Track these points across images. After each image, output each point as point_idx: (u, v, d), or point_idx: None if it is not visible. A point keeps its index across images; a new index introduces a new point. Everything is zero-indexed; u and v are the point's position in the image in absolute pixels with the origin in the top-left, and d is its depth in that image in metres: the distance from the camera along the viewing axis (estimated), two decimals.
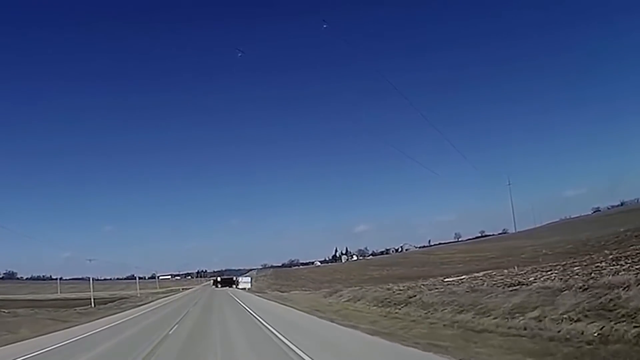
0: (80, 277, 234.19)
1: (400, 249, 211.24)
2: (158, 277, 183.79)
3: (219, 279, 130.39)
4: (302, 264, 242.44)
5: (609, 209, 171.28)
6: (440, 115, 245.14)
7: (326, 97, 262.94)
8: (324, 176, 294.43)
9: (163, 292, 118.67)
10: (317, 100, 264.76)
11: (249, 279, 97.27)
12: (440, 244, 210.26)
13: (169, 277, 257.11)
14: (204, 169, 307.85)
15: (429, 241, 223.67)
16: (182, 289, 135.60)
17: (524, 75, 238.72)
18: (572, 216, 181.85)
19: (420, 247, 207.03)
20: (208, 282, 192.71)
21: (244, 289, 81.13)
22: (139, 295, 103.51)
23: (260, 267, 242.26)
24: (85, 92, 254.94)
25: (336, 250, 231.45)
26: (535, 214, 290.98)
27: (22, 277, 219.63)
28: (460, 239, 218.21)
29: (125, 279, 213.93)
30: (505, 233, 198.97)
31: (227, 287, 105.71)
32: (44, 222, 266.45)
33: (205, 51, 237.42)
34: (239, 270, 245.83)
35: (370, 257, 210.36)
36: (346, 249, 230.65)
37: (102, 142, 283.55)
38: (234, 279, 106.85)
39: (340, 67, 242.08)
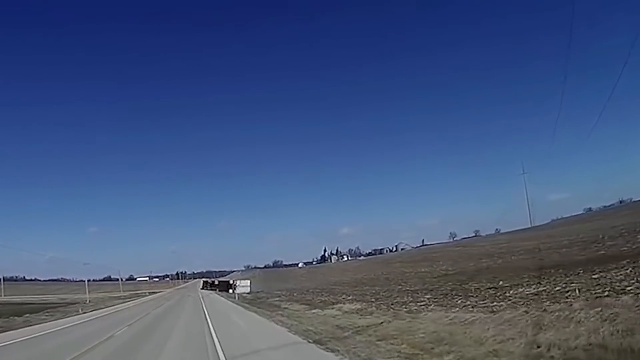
0: (57, 278, 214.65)
1: (395, 249, 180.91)
2: (121, 279, 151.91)
3: (216, 281, 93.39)
4: (285, 265, 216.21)
5: (601, 208, 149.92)
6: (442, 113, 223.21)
7: (313, 100, 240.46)
8: (306, 179, 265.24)
9: (123, 297, 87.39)
10: (304, 104, 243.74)
11: (247, 282, 62.05)
12: (434, 243, 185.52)
13: (147, 278, 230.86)
14: (188, 171, 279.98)
15: (422, 241, 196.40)
16: (149, 292, 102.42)
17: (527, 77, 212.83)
18: (564, 216, 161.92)
19: (416, 247, 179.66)
20: (186, 284, 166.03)
21: (240, 294, 47.28)
22: (88, 301, 73.74)
23: (244, 268, 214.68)
24: (73, 93, 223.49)
25: (325, 250, 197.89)
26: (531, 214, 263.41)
27: None
28: (455, 239, 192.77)
29: (102, 280, 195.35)
30: (498, 232, 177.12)
31: (206, 292, 71.76)
32: (26, 223, 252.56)
33: (199, 53, 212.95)
34: (221, 272, 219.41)
35: (362, 257, 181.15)
36: (337, 249, 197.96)
37: (88, 143, 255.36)
38: (231, 282, 71.84)
39: (333, 70, 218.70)
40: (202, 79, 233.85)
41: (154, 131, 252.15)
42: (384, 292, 34.89)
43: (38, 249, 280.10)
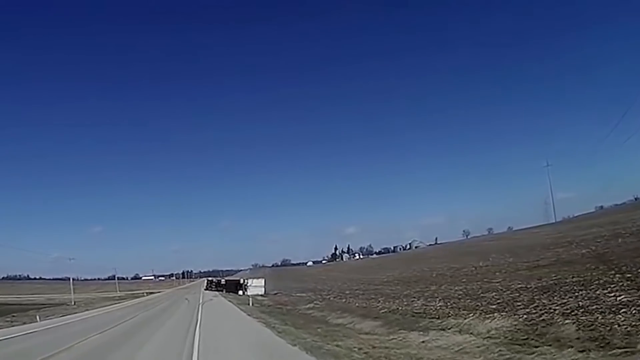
0: (61, 277, 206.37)
1: (408, 246, 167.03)
2: (117, 278, 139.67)
3: (222, 281, 78.60)
4: (293, 264, 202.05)
5: (612, 206, 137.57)
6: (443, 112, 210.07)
7: (317, 99, 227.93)
8: (309, 179, 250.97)
9: (117, 298, 74.15)
10: (308, 103, 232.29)
11: (261, 281, 47.60)
12: (448, 241, 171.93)
13: (152, 277, 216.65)
14: (191, 171, 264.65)
15: (435, 239, 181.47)
16: (147, 293, 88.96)
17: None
18: (575, 215, 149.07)
19: (430, 245, 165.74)
20: (192, 283, 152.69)
21: (253, 296, 33.40)
22: (73, 302, 62.52)
23: (251, 267, 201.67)
24: (76, 93, 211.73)
25: (336, 249, 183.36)
26: (534, 214, 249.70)
27: None
28: (468, 236, 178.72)
29: (106, 279, 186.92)
30: (511, 229, 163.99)
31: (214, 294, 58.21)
32: (30, 223, 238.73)
33: (201, 54, 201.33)
34: (228, 271, 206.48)
35: (375, 255, 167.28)
36: (348, 247, 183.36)
37: (90, 144, 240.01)
38: (242, 281, 57.39)
39: (338, 69, 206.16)
40: (206, 79, 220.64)
41: (156, 132, 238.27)
42: (488, 292, 21.25)
43: (43, 249, 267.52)
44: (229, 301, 34.53)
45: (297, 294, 40.20)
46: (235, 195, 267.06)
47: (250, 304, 29.15)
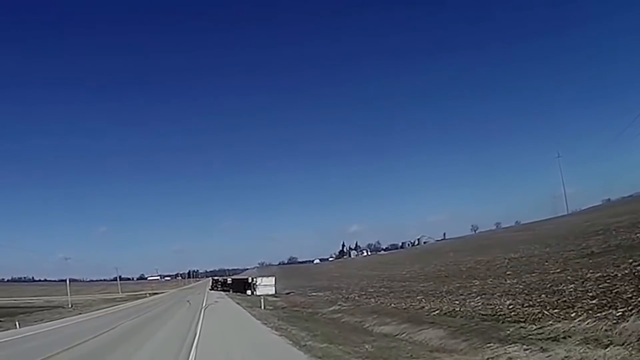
0: (66, 278, 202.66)
1: (417, 242, 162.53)
2: (120, 278, 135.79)
3: (229, 280, 74.16)
4: (300, 262, 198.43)
5: (620, 199, 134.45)
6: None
7: (321, 99, 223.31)
8: (315, 177, 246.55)
9: (118, 299, 70.09)
10: (311, 103, 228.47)
11: (271, 279, 42.38)
12: (457, 237, 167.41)
13: (158, 277, 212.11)
14: (196, 170, 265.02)
15: (444, 234, 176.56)
16: (149, 294, 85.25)
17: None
18: (582, 208, 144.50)
19: (439, 240, 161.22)
20: (197, 283, 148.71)
21: (264, 297, 28.51)
22: (70, 305, 58.15)
23: (258, 265, 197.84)
24: (73, 93, 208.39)
25: (343, 245, 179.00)
26: (540, 208, 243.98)
27: (3, 279, 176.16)
28: (476, 231, 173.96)
29: (111, 280, 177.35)
30: (518, 224, 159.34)
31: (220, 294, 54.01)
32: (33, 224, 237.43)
33: (203, 53, 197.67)
34: (234, 270, 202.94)
35: (383, 252, 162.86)
36: (356, 243, 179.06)
37: (93, 144, 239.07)
38: (250, 280, 52.67)
39: (336, 69, 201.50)
40: (206, 79, 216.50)
41: (161, 133, 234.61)
42: (559, 284, 16.71)
43: (48, 250, 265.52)
44: (237, 303, 29.98)
45: (313, 294, 35.77)
46: (238, 194, 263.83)
47: (262, 306, 24.64)
